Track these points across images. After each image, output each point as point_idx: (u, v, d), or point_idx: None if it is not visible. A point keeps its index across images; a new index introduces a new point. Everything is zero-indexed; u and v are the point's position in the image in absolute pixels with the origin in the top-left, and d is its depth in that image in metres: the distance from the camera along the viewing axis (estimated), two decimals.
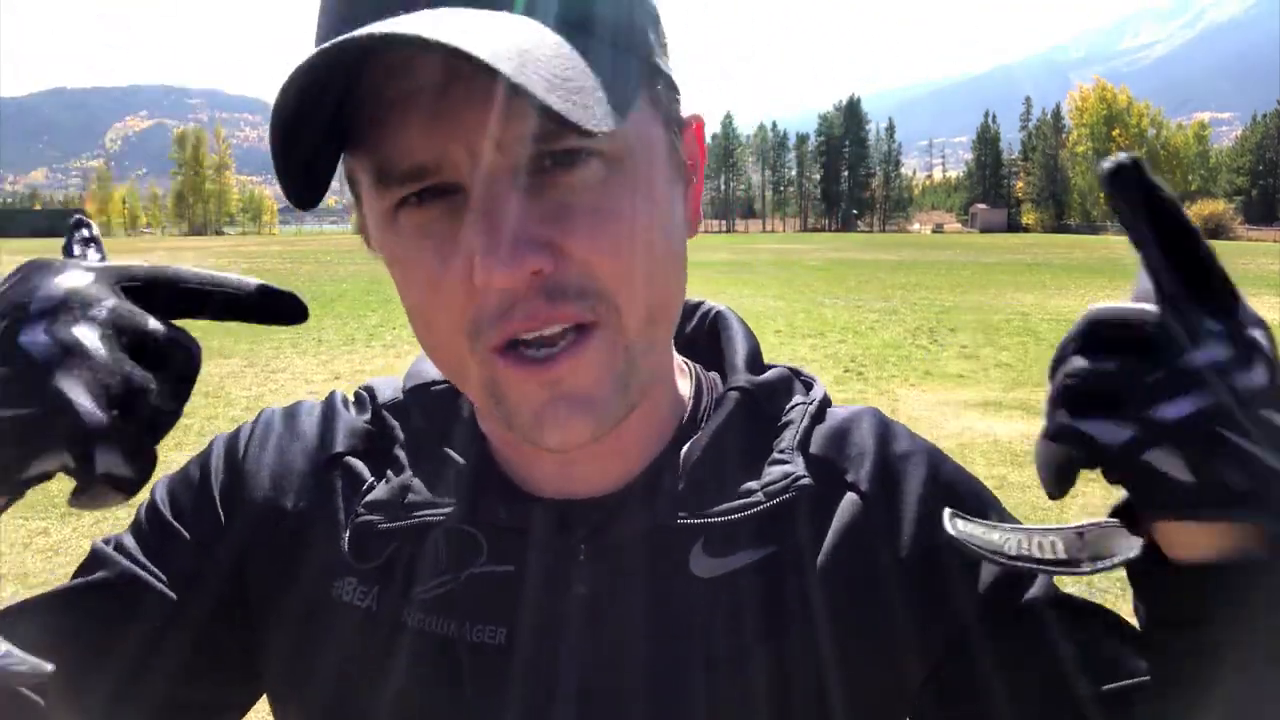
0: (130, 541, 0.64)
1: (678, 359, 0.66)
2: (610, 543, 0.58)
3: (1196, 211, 71.81)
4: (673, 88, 0.53)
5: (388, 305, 17.46)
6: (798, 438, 0.62)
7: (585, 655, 0.57)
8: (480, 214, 0.45)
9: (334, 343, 12.44)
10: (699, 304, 0.72)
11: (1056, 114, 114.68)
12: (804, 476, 0.60)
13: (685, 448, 0.61)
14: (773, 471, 0.60)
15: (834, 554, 0.59)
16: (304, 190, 0.45)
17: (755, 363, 0.67)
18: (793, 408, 0.65)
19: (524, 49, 0.41)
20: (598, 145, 0.46)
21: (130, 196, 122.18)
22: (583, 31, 0.44)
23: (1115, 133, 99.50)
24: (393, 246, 0.49)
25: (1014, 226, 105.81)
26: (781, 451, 0.61)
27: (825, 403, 0.67)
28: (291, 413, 0.69)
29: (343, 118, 0.45)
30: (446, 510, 0.58)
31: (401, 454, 0.62)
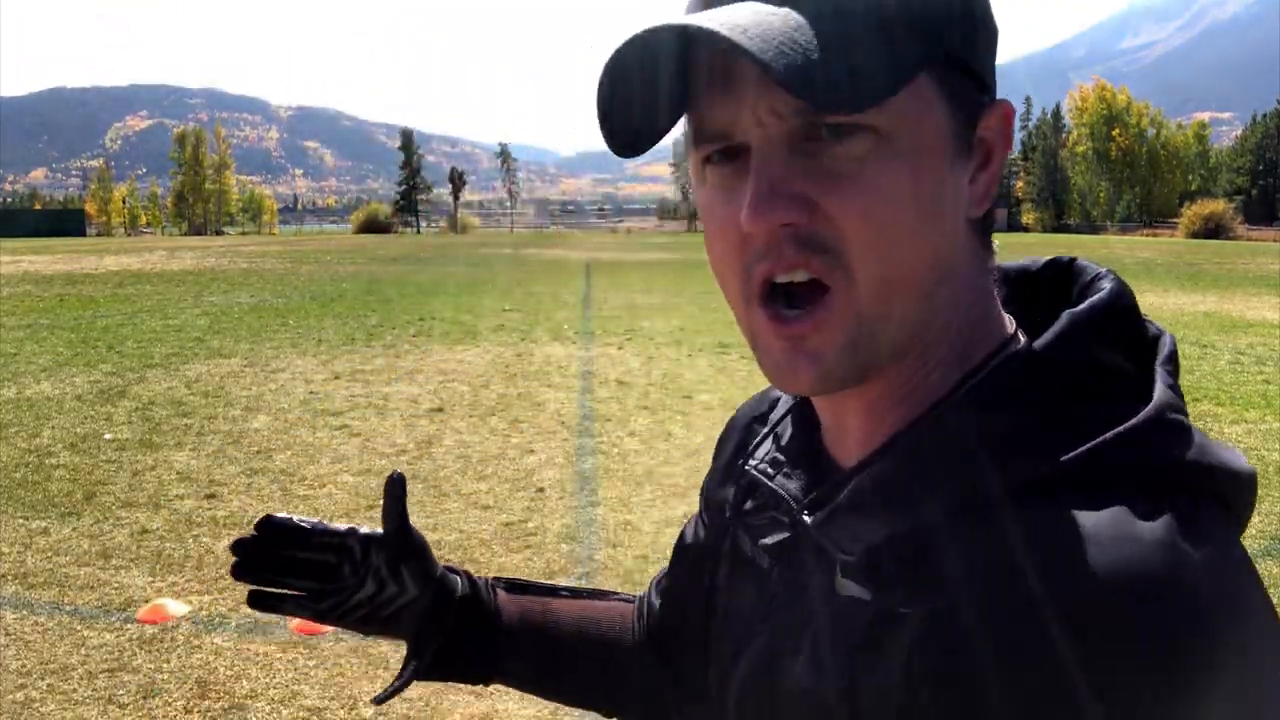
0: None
1: (1004, 333, 0.60)
2: (821, 519, 0.60)
3: (1197, 211, 71.80)
4: (969, 74, 0.56)
5: (387, 305, 17.46)
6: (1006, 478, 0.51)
7: (768, 618, 0.64)
8: (753, 170, 0.53)
9: (334, 342, 12.44)
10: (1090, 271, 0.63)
11: (1056, 114, 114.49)
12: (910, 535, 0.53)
13: (903, 438, 0.58)
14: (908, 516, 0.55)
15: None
16: (643, 139, 0.57)
17: (1065, 343, 0.55)
18: (1085, 435, 0.51)
19: (787, 36, 0.49)
20: (868, 120, 0.51)
21: (130, 196, 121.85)
22: (851, 21, 0.51)
23: (1115, 132, 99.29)
24: (700, 195, 0.59)
25: (1014, 226, 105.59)
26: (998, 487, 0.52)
27: (1140, 440, 0.51)
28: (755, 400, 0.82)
29: (685, 87, 0.56)
30: (769, 471, 0.68)
31: (774, 415, 0.74)
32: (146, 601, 4.31)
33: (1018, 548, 0.48)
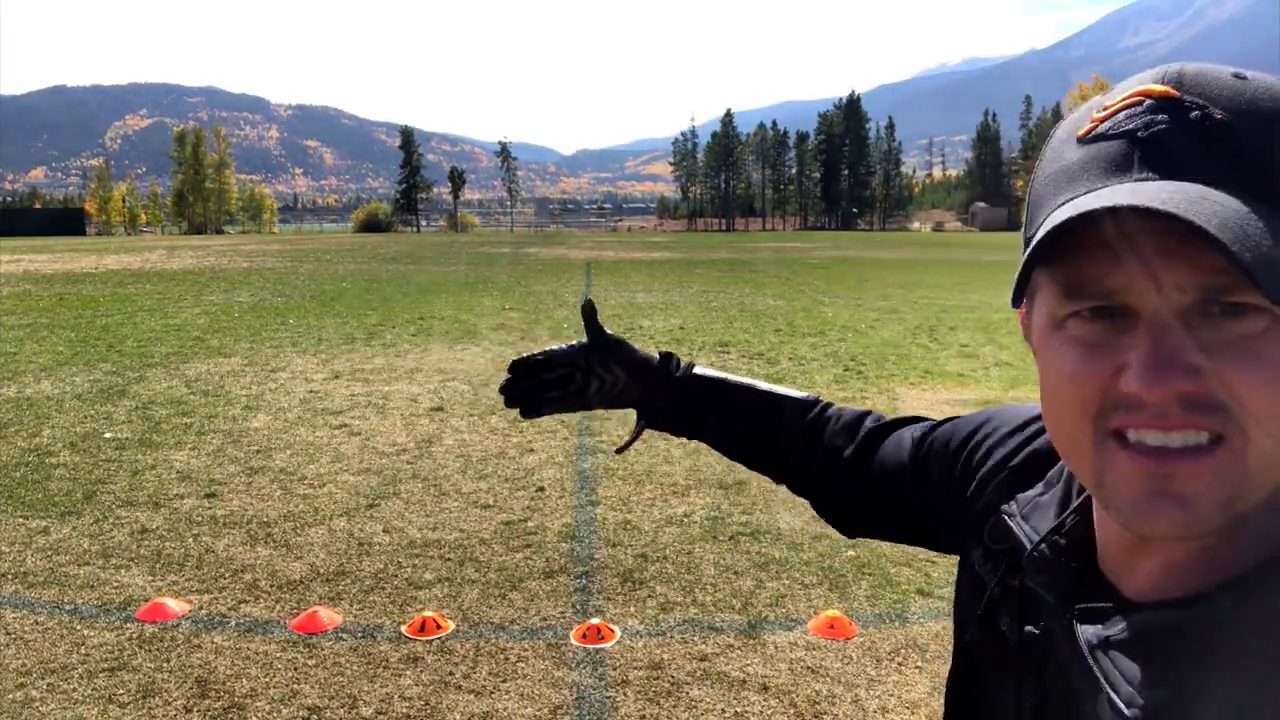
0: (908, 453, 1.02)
1: None
2: (1096, 641, 0.61)
3: None
4: None
5: (387, 304, 17.45)
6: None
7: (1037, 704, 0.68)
8: (1147, 336, 0.54)
9: (333, 341, 12.44)
10: None
11: (1056, 113, 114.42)
12: None
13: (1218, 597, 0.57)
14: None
15: None
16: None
17: None
18: None
19: (1221, 215, 0.50)
20: (1263, 301, 0.52)
21: (130, 195, 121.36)
22: (1271, 207, 0.52)
23: None
24: (1053, 343, 0.59)
25: (1014, 225, 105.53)
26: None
27: None
28: (1016, 417, 0.89)
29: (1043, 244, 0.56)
30: (1038, 548, 0.70)
31: (1053, 478, 0.76)
32: (146, 600, 4.31)
33: None
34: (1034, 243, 0.56)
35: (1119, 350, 0.55)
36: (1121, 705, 0.56)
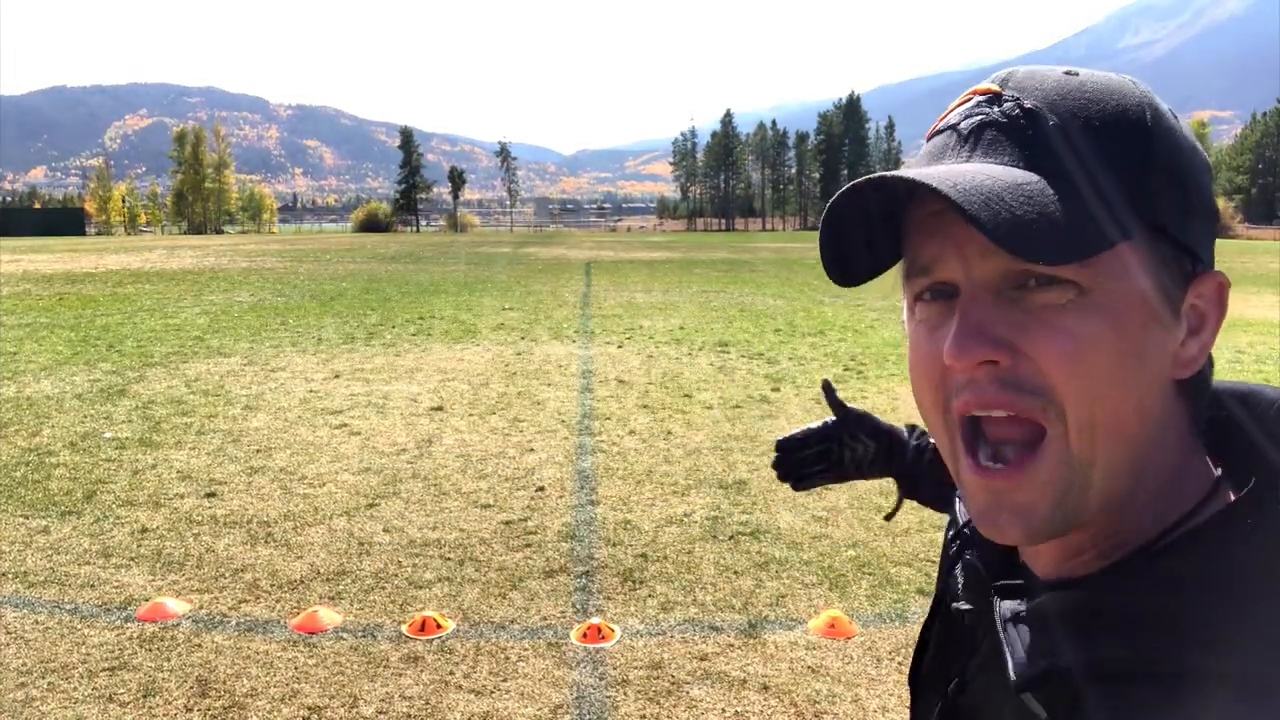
0: None
1: (1202, 490, 0.61)
2: (1008, 615, 0.65)
3: None
4: (1180, 245, 0.59)
5: (387, 304, 17.44)
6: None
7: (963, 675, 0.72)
8: (960, 308, 0.58)
9: (333, 341, 12.44)
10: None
11: None
12: (1036, 679, 0.59)
13: (1073, 593, 0.60)
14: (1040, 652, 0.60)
15: None
16: (857, 269, 0.63)
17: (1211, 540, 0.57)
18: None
19: (995, 193, 0.53)
20: (1069, 275, 0.55)
21: (130, 195, 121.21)
22: (1071, 188, 0.55)
23: None
24: (910, 326, 0.64)
25: None
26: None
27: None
28: None
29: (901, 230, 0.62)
30: (967, 525, 0.74)
31: None
32: (147, 600, 4.31)
33: None
34: (823, 215, 0.61)
35: (949, 327, 0.58)
36: (1013, 671, 0.60)
